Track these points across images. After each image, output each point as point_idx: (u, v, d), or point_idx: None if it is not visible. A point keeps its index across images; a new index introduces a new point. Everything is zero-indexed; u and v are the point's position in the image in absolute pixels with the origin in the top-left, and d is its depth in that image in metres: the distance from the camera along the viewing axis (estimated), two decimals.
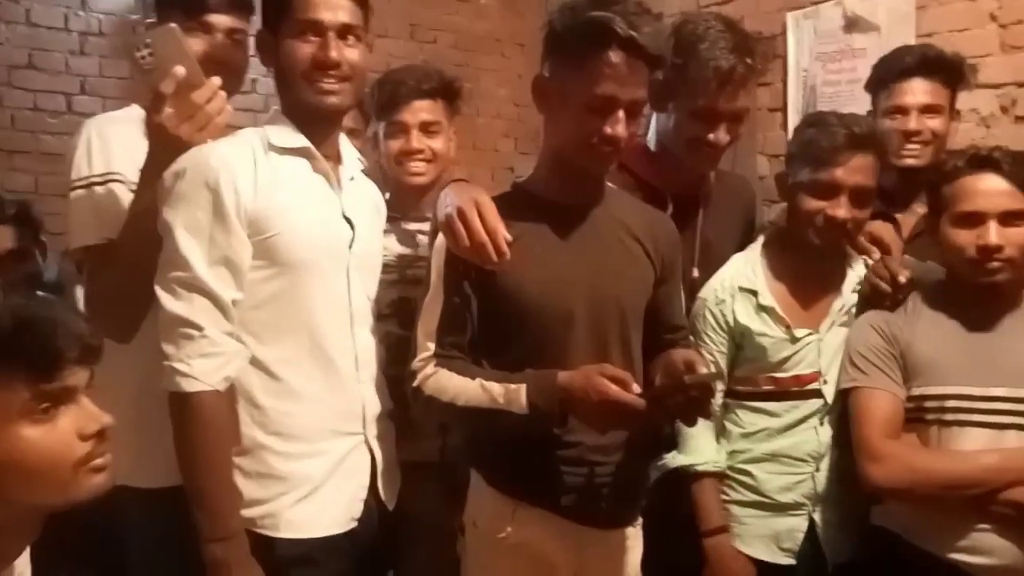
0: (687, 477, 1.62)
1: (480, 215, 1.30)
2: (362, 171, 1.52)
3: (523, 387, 1.29)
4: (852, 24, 2.63)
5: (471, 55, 3.93)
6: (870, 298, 1.60)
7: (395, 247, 1.75)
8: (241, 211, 1.28)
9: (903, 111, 1.77)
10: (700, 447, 1.62)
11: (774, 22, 2.88)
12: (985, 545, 1.41)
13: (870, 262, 1.66)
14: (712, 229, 1.75)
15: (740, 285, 1.62)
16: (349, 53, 1.34)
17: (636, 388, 1.25)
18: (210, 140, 1.32)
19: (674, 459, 1.62)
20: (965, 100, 2.30)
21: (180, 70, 1.29)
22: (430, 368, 1.35)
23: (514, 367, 1.34)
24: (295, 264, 1.32)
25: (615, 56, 1.27)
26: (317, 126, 1.38)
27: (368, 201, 1.52)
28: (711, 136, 1.60)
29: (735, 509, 1.64)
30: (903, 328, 1.52)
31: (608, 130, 1.29)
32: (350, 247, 1.41)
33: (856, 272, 1.65)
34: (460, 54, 3.88)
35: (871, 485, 1.47)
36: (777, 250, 1.65)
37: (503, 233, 1.30)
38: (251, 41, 1.52)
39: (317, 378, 1.35)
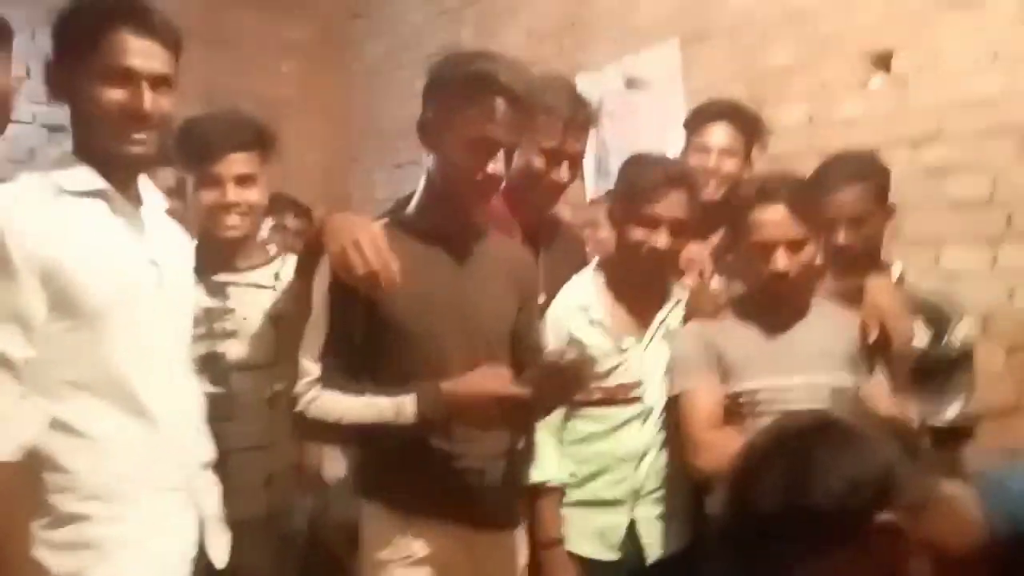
0: (535, 490, 1.72)
1: (375, 248, 1.37)
2: (165, 212, 1.47)
3: (410, 397, 1.37)
4: (632, 82, 2.92)
5: (275, 120, 3.89)
6: (693, 316, 1.79)
7: (204, 300, 1.68)
8: (30, 260, 1.19)
9: (706, 150, 2.07)
10: (544, 462, 1.72)
11: None
12: None
13: (687, 281, 1.87)
14: (553, 261, 1.90)
15: (576, 302, 1.79)
16: (161, 103, 1.29)
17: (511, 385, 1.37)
18: None
19: (529, 476, 1.71)
20: None
21: None
22: (314, 391, 1.40)
23: (396, 388, 1.39)
24: (95, 312, 1.24)
25: (499, 103, 1.39)
26: (118, 169, 1.32)
27: (174, 243, 1.47)
28: (554, 175, 1.81)
29: (564, 510, 1.74)
30: (717, 335, 1.70)
31: (491, 170, 1.41)
32: (158, 290, 1.34)
33: (676, 292, 1.84)
34: (263, 118, 3.83)
35: (698, 472, 1.61)
36: (608, 270, 1.84)
37: (393, 265, 1.38)
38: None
39: (131, 432, 1.27)
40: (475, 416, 1.39)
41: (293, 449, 1.76)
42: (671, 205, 1.71)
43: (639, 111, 2.86)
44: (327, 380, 1.40)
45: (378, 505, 1.48)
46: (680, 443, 1.69)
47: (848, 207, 1.77)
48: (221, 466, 1.50)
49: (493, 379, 1.38)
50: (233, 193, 1.70)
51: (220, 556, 1.40)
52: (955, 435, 1.85)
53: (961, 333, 1.82)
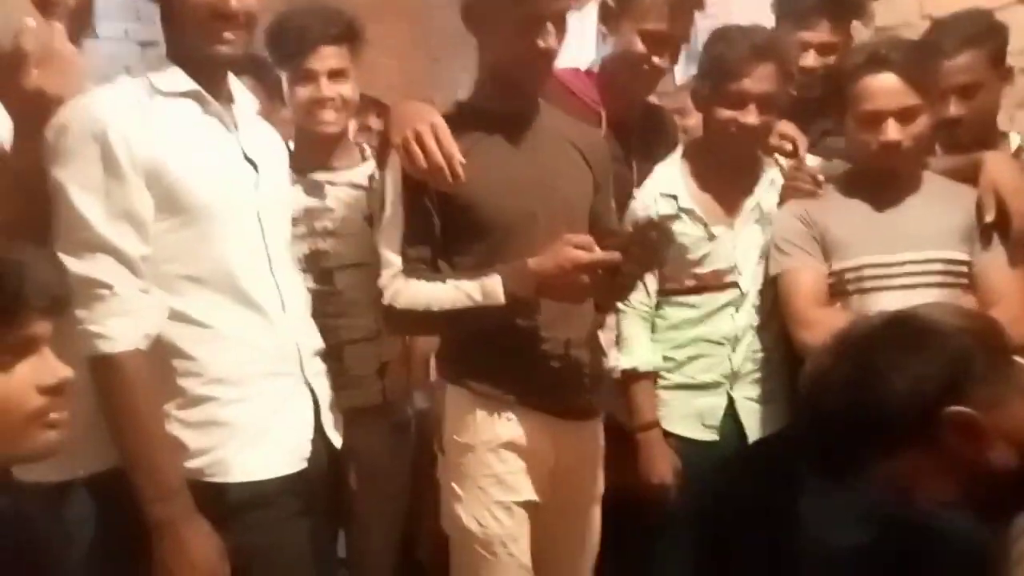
0: (627, 376, 1.74)
1: (436, 138, 1.35)
2: (256, 112, 1.49)
3: (498, 278, 1.37)
4: None
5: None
6: (790, 196, 1.74)
7: (302, 200, 1.72)
8: (135, 161, 1.23)
9: (803, 47, 1.92)
10: (636, 349, 1.74)
11: None
12: None
13: (781, 160, 1.81)
14: (645, 154, 1.87)
15: (662, 191, 1.76)
16: (248, 1, 1.29)
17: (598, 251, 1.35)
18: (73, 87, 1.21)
19: (618, 361, 1.74)
20: None
21: (30, 21, 1.16)
22: (399, 282, 1.40)
23: (480, 274, 1.40)
24: (200, 210, 1.29)
25: None
26: (208, 71, 1.34)
27: (268, 142, 1.49)
28: (656, 59, 1.74)
29: (662, 393, 1.78)
30: (820, 213, 1.66)
31: (540, 43, 1.38)
32: (256, 188, 1.38)
33: (768, 174, 1.79)
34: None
35: (804, 348, 1.59)
36: (694, 157, 1.79)
37: (458, 156, 1.36)
38: None
39: (245, 322, 1.33)
40: (565, 289, 1.37)
41: (401, 340, 1.82)
42: (759, 79, 1.63)
43: None
44: (410, 270, 1.41)
45: (461, 390, 1.48)
46: (783, 322, 1.68)
47: (959, 76, 1.68)
48: (336, 358, 1.57)
49: (578, 247, 1.35)
50: (327, 88, 1.71)
51: (336, 436, 1.46)
52: None
53: None
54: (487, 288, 1.37)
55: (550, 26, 1.37)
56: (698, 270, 1.75)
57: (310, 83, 1.71)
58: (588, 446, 1.57)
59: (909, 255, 1.60)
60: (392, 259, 1.41)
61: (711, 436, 1.77)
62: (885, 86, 1.57)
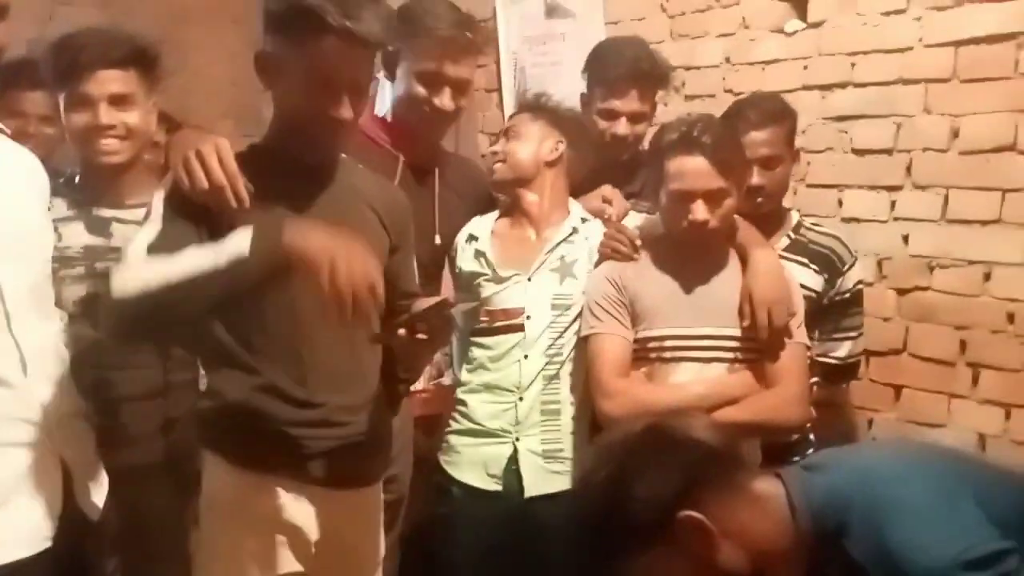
0: None
1: (219, 159, 1.25)
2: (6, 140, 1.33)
3: (244, 232, 1.20)
4: (552, 10, 2.84)
5: (177, 28, 3.64)
6: (608, 257, 1.79)
7: (82, 238, 1.58)
8: None
9: (614, 115, 2.01)
10: None
11: (485, 6, 3.01)
12: None
13: (590, 219, 1.88)
14: (450, 200, 1.88)
15: (469, 233, 1.84)
16: None
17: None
18: None
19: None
20: None
21: None
22: (129, 269, 1.21)
23: (246, 328, 1.30)
24: None
25: (332, 43, 1.25)
26: None
27: (7, 174, 1.32)
28: (436, 100, 1.74)
29: (452, 439, 1.81)
30: (632, 279, 1.72)
31: (333, 113, 1.29)
32: None
33: (570, 221, 1.85)
34: (164, 27, 3.58)
35: (604, 417, 1.64)
36: (504, 213, 1.88)
37: (243, 180, 1.26)
38: None
39: None
40: (304, 261, 1.18)
41: (192, 395, 1.72)
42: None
43: (559, 39, 2.80)
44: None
45: (217, 458, 1.36)
46: (586, 385, 1.72)
47: (762, 148, 1.81)
48: (110, 414, 1.45)
49: (352, 245, 1.21)
50: (107, 114, 1.57)
51: (93, 507, 1.35)
52: (844, 371, 1.99)
53: (852, 278, 1.93)
54: (232, 246, 1.18)
55: (345, 96, 1.29)
56: (489, 307, 1.79)
57: (86, 109, 1.58)
58: (363, 513, 1.49)
59: (708, 330, 1.68)
60: (136, 250, 1.23)
61: (495, 486, 1.77)
62: (695, 168, 1.62)
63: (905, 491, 0.97)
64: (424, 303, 1.35)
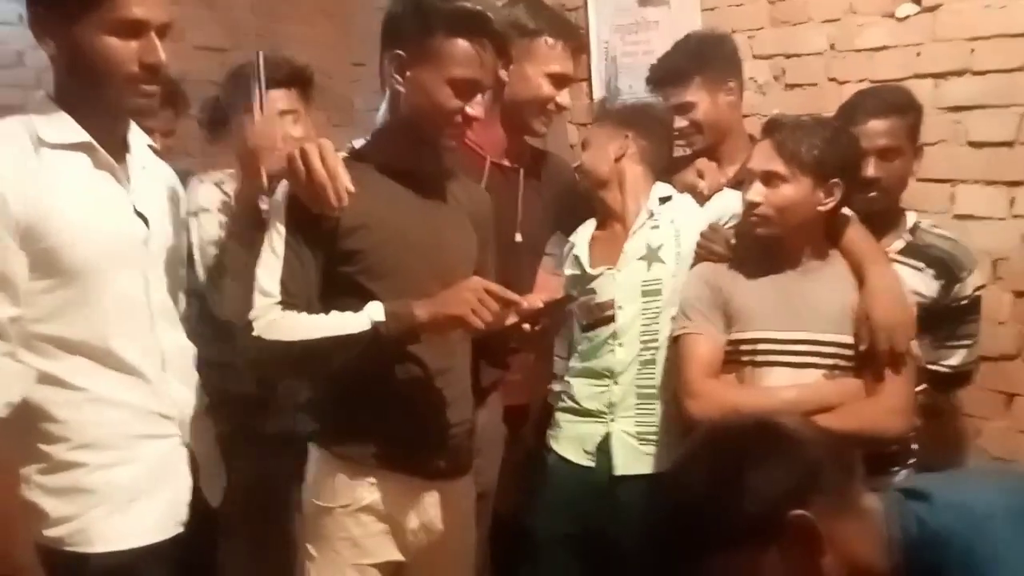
0: None
1: (322, 157, 1.31)
2: (154, 153, 1.42)
3: (379, 304, 1.32)
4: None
5: (272, 22, 3.73)
6: (704, 258, 1.76)
7: None
8: (11, 221, 1.15)
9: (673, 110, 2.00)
10: None
11: None
12: None
13: (674, 197, 1.89)
14: (534, 199, 1.91)
15: (570, 242, 1.95)
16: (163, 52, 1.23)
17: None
18: None
19: None
20: (745, 70, 2.51)
21: None
22: (274, 313, 1.33)
23: None
24: (80, 272, 1.22)
25: (478, 45, 1.36)
26: (106, 119, 1.26)
27: (163, 189, 1.42)
28: (560, 99, 1.84)
29: (557, 415, 1.92)
30: (728, 281, 1.68)
31: (469, 111, 1.38)
32: (145, 245, 1.31)
33: (643, 213, 1.87)
34: (260, 21, 3.68)
35: (689, 418, 1.63)
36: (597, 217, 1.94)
37: (344, 178, 1.31)
38: None
39: (120, 384, 1.27)
40: (449, 320, 1.32)
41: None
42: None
43: (652, 28, 2.73)
44: (287, 304, 1.33)
45: (324, 452, 1.45)
46: (675, 382, 1.71)
47: (879, 139, 1.73)
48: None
49: (472, 283, 1.33)
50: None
51: (215, 496, 1.42)
52: (956, 380, 1.88)
53: (971, 285, 1.81)
54: (364, 316, 1.30)
55: (479, 96, 1.39)
56: (584, 302, 1.87)
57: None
58: (457, 504, 1.54)
59: (803, 334, 1.62)
60: (268, 289, 1.33)
61: (589, 462, 1.84)
62: (759, 148, 1.65)
63: (1012, 537, 0.90)
64: (541, 298, 1.40)
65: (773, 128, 1.65)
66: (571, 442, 1.87)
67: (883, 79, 2.14)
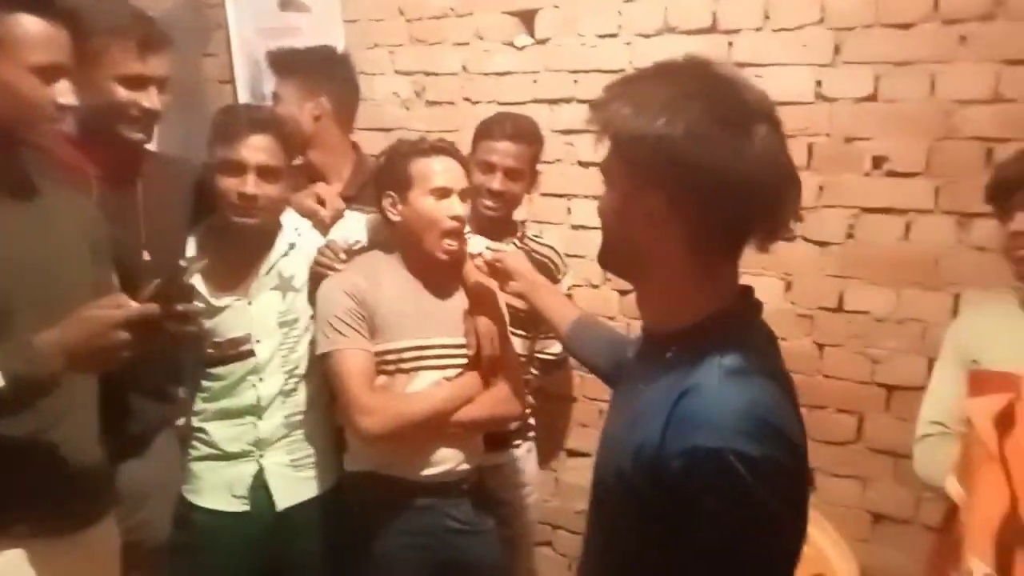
0: None
1: None
2: None
3: None
4: (287, 3, 2.72)
5: None
6: (321, 276, 1.74)
7: None
8: None
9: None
10: None
11: None
12: (439, 458, 1.72)
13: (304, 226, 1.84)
14: (157, 211, 1.71)
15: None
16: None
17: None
18: None
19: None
20: (387, 84, 2.59)
21: None
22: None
23: None
24: None
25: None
26: None
27: None
28: (146, 102, 1.62)
29: (193, 466, 1.77)
30: (369, 292, 1.69)
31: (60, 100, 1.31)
32: None
33: (284, 239, 1.79)
34: None
35: (365, 435, 1.64)
36: (207, 228, 1.78)
37: None
38: None
39: None
40: (101, 353, 1.17)
41: None
42: (254, 149, 1.67)
43: (296, 33, 2.69)
44: None
45: None
46: (334, 401, 1.72)
47: (510, 158, 1.98)
48: None
49: (107, 305, 1.19)
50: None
51: None
52: (558, 365, 2.21)
53: (565, 285, 2.17)
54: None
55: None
56: (215, 339, 1.73)
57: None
58: (102, 552, 1.46)
59: (442, 339, 1.74)
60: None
61: (242, 507, 1.75)
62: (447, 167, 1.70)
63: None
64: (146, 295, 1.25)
65: (443, 148, 1.71)
66: (216, 490, 1.75)
67: (509, 102, 2.36)
